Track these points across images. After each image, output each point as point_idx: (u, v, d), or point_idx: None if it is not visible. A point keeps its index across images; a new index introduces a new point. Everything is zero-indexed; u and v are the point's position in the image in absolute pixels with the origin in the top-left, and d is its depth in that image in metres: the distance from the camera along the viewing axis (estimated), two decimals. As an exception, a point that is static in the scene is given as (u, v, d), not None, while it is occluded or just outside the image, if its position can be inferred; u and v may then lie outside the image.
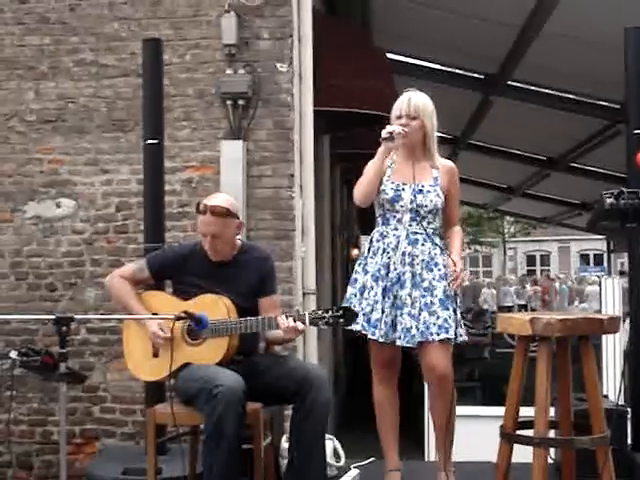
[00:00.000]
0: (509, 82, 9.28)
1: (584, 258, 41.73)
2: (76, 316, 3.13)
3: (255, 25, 5.32)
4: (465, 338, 3.77)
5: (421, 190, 3.77)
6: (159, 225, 4.38)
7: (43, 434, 5.38)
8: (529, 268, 42.05)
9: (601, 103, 9.24)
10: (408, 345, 3.68)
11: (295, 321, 3.40)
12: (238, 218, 3.67)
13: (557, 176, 13.05)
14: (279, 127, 5.30)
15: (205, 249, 3.63)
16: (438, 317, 3.66)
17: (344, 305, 3.66)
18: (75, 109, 5.47)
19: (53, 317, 3.05)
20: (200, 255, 3.66)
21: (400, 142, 3.71)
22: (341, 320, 3.36)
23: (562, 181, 13.36)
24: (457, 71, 9.58)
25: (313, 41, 5.42)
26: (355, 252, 15.75)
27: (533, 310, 20.90)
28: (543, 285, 24.79)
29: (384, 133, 3.69)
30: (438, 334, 3.64)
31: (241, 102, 5.28)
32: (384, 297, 3.71)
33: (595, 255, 38.45)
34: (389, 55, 8.37)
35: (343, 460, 4.41)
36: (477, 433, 5.10)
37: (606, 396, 4.76)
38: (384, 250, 3.76)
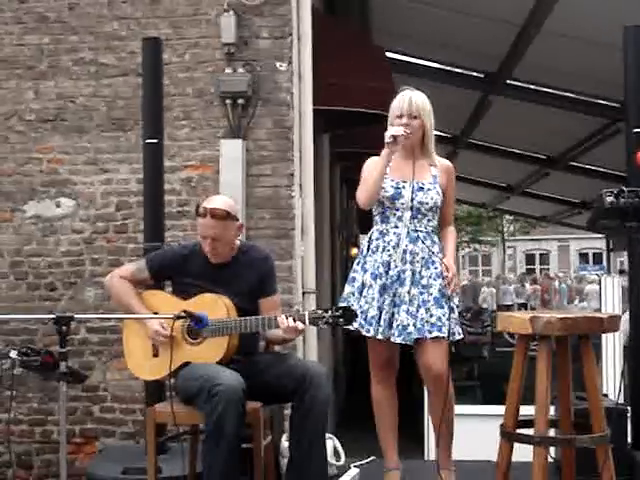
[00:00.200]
0: (509, 81, 9.28)
1: (583, 257, 41.73)
2: (76, 315, 3.14)
3: (254, 24, 5.32)
4: (461, 337, 3.78)
5: (421, 188, 3.78)
6: (159, 224, 4.37)
7: (43, 434, 5.38)
8: (528, 267, 42.02)
9: (601, 102, 9.24)
10: (404, 342, 3.69)
11: (295, 321, 3.40)
12: (238, 220, 3.66)
13: (556, 175, 13.05)
14: (278, 126, 5.30)
15: (205, 251, 3.63)
16: (432, 315, 3.67)
17: (342, 304, 3.65)
18: (74, 108, 5.46)
19: (53, 317, 3.05)
20: (200, 256, 3.65)
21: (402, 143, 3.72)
22: (341, 320, 3.35)
23: (561, 180, 13.36)
24: (456, 70, 9.58)
25: (312, 40, 5.41)
26: (355, 251, 15.73)
27: (533, 309, 20.88)
28: (543, 284, 24.72)
29: (388, 137, 3.68)
30: (430, 332, 3.66)
31: (240, 101, 5.28)
32: (382, 295, 3.71)
33: (594, 254, 38.41)
34: (388, 54, 8.36)
35: (343, 459, 4.41)
36: (477, 432, 5.10)
37: (606, 395, 4.76)
38: (384, 248, 3.76)
